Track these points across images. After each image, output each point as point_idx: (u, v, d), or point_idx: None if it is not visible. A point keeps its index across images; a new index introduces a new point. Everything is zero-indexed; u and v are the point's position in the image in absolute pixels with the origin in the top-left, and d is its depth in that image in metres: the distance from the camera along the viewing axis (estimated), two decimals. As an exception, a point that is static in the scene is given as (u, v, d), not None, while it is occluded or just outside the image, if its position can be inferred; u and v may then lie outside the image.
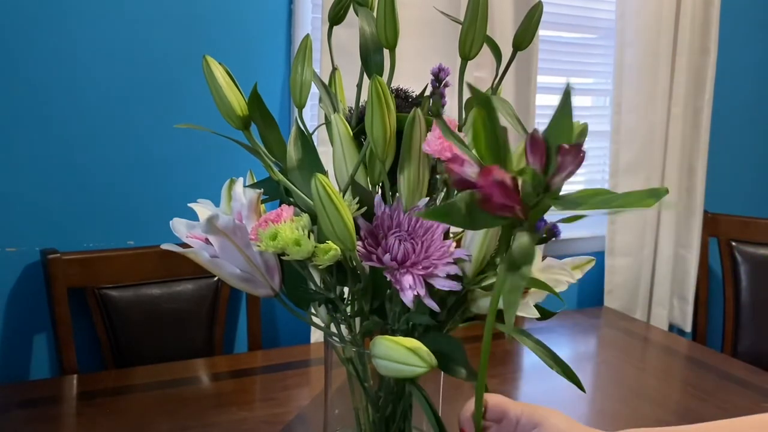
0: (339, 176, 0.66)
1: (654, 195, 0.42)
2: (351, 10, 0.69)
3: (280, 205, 0.62)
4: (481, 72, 1.55)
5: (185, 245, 0.62)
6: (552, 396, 1.14)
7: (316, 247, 0.59)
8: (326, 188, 0.55)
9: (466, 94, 0.69)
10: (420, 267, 0.59)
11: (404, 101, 0.67)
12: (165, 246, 0.63)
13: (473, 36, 0.65)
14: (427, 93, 0.68)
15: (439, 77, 0.67)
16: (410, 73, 0.70)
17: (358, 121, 0.67)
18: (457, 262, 0.60)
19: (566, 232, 1.89)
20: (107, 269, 1.35)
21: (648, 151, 1.91)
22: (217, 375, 1.25)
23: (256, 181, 0.70)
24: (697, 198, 1.96)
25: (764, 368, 1.30)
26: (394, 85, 0.67)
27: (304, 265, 0.62)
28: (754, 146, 2.20)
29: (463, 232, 0.63)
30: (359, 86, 0.68)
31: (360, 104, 0.68)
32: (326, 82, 0.71)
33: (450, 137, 0.48)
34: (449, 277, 0.60)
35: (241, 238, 0.62)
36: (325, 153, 0.65)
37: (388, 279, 0.59)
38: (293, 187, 0.64)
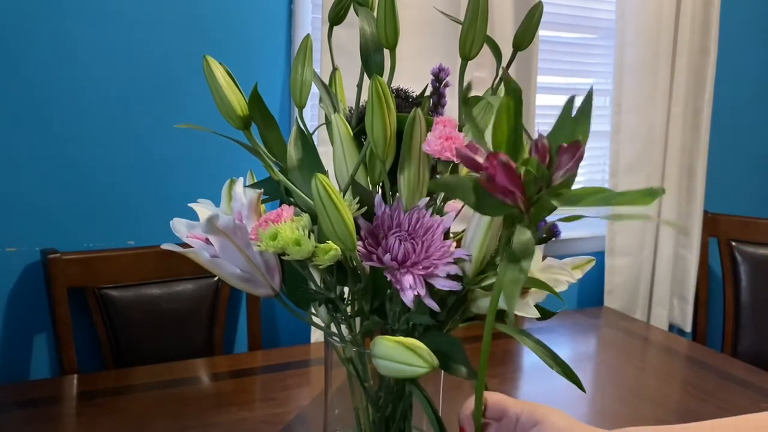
0: (339, 176, 0.66)
1: (651, 194, 0.43)
2: (351, 10, 0.69)
3: (280, 205, 0.62)
4: (481, 72, 1.55)
5: (185, 245, 0.62)
6: (552, 396, 1.14)
7: (316, 247, 0.59)
8: (326, 188, 0.55)
9: (471, 93, 0.69)
10: (420, 267, 0.59)
11: (404, 101, 0.67)
12: (165, 246, 0.63)
13: (473, 36, 0.65)
14: (427, 93, 0.68)
15: (439, 77, 0.67)
16: (410, 73, 0.69)
17: (358, 121, 0.67)
18: (457, 262, 0.60)
19: (566, 232, 1.89)
20: (107, 269, 1.35)
21: (648, 151, 1.91)
22: (217, 375, 1.25)
23: (256, 181, 0.70)
24: (697, 198, 1.96)
25: (764, 368, 1.30)
26: (394, 85, 0.67)
27: (304, 265, 0.62)
28: (754, 146, 2.20)
29: (463, 231, 0.63)
30: (359, 86, 0.68)
31: (360, 104, 0.68)
32: (326, 82, 0.71)
33: (470, 120, 0.49)
34: (449, 277, 0.60)
35: (241, 238, 0.62)
36: (325, 153, 0.65)
37: (388, 279, 0.59)
38: (293, 187, 0.64)
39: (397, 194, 0.64)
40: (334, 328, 0.69)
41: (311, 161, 0.65)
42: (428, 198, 0.63)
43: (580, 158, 0.45)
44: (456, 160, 0.61)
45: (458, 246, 0.62)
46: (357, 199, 0.62)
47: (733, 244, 1.85)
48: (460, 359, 0.59)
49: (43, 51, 1.31)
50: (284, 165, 0.66)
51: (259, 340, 1.50)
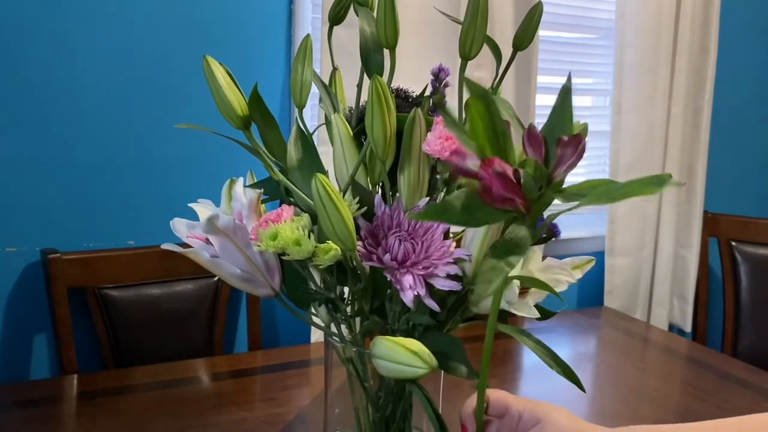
0: (339, 176, 0.66)
1: (657, 182, 0.42)
2: (351, 10, 0.69)
3: (280, 205, 0.62)
4: (481, 72, 1.55)
5: (185, 245, 0.62)
6: (552, 396, 1.14)
7: (316, 247, 0.59)
8: (326, 188, 0.55)
9: (467, 95, 0.69)
10: (420, 267, 0.59)
11: (404, 101, 0.67)
12: (165, 246, 0.63)
13: (473, 36, 0.65)
14: (427, 93, 0.68)
15: (439, 77, 0.67)
16: (410, 73, 0.70)
17: (358, 121, 0.67)
18: (457, 262, 0.60)
19: (566, 232, 1.89)
20: (107, 269, 1.35)
21: (648, 151, 1.91)
22: (217, 375, 1.25)
23: (256, 181, 0.70)
24: (697, 198, 1.96)
25: (764, 368, 1.30)
26: (394, 85, 0.67)
27: (304, 265, 0.62)
28: (754, 146, 2.20)
29: (463, 231, 0.63)
30: (359, 86, 0.68)
31: (360, 104, 0.68)
32: (326, 82, 0.71)
33: (453, 128, 0.48)
34: (449, 277, 0.60)
35: (241, 238, 0.62)
36: (325, 153, 0.65)
37: (388, 279, 0.59)
38: (293, 187, 0.64)
39: (397, 194, 0.64)
40: (334, 328, 0.69)
41: (311, 161, 0.65)
42: (428, 198, 0.63)
43: (582, 152, 0.44)
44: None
45: (458, 246, 0.62)
46: (357, 199, 0.62)
47: (733, 244, 1.85)
48: (460, 359, 0.59)
49: (43, 51, 1.31)
50: (284, 165, 0.66)
51: (259, 340, 1.50)
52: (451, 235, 0.64)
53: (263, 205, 0.67)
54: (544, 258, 0.64)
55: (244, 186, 0.67)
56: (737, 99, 2.12)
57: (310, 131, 0.67)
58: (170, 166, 1.44)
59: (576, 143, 0.43)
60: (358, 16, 0.68)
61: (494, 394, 0.58)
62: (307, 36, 0.67)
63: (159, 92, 1.41)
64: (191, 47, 1.42)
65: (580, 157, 0.44)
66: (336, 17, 0.69)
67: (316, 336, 1.52)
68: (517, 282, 0.60)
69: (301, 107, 0.67)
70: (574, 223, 1.98)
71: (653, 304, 2.00)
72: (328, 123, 0.67)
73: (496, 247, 0.46)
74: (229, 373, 1.25)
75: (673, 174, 1.88)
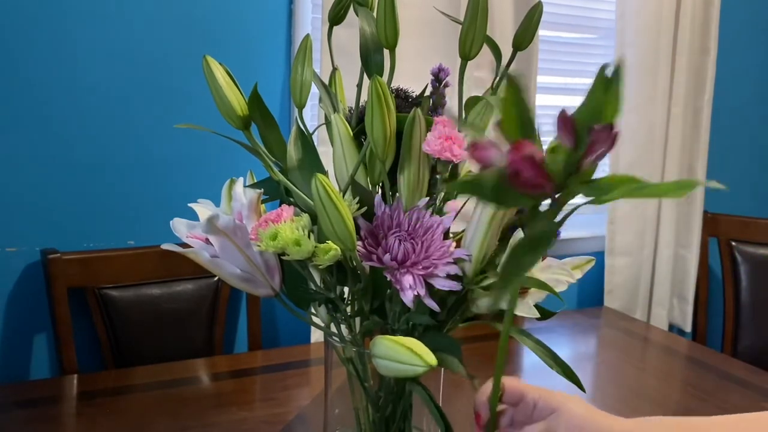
0: (339, 176, 0.66)
1: (685, 186, 0.41)
2: (351, 10, 0.69)
3: (280, 205, 0.62)
4: (481, 72, 1.55)
5: (185, 245, 0.62)
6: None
7: (316, 247, 0.59)
8: (326, 188, 0.55)
9: (467, 94, 0.69)
10: (420, 267, 0.59)
11: (404, 101, 0.68)
12: (165, 246, 0.63)
13: (473, 36, 0.65)
14: (427, 93, 0.68)
15: (439, 77, 0.67)
16: (410, 73, 0.70)
17: (358, 121, 0.67)
18: (457, 262, 0.60)
19: (566, 232, 1.89)
20: (107, 269, 1.35)
21: (648, 151, 1.91)
22: (217, 375, 1.25)
23: (256, 181, 0.70)
24: (697, 198, 1.96)
25: (764, 368, 1.30)
26: (394, 85, 0.67)
27: (304, 265, 0.62)
28: (754, 146, 2.20)
29: (463, 231, 0.63)
30: (359, 86, 0.68)
31: (360, 104, 0.68)
32: (326, 82, 0.71)
33: (465, 127, 0.48)
34: (449, 277, 0.60)
35: (241, 238, 0.62)
36: (325, 153, 0.65)
37: (388, 279, 0.59)
38: (293, 187, 0.64)
39: (397, 194, 0.64)
40: (333, 328, 0.69)
41: (311, 161, 0.65)
42: (428, 198, 0.63)
43: (614, 142, 0.42)
44: (455, 161, 0.61)
45: (458, 246, 0.62)
46: (357, 199, 0.62)
47: (733, 244, 1.85)
48: (460, 359, 0.59)
49: (43, 51, 1.31)
50: (284, 165, 0.66)
51: (259, 340, 1.50)
52: (451, 235, 0.64)
53: (263, 205, 0.67)
54: (544, 258, 0.64)
55: (244, 186, 0.67)
56: (737, 99, 2.12)
57: (310, 131, 0.67)
58: (170, 166, 1.44)
59: (608, 132, 0.41)
60: (358, 16, 0.68)
61: (509, 382, 0.58)
62: (307, 36, 0.67)
63: (159, 92, 1.41)
64: (191, 47, 1.42)
65: (611, 147, 0.42)
66: (336, 17, 0.69)
67: (316, 336, 1.52)
68: (517, 282, 0.60)
69: (301, 107, 0.67)
70: (574, 223, 1.98)
71: (653, 304, 2.00)
72: (328, 123, 0.67)
73: (519, 244, 0.44)
74: (229, 373, 1.25)
75: (673, 174, 1.87)
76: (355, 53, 0.67)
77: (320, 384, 0.72)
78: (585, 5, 1.90)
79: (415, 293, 0.58)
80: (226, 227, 0.61)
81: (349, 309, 0.66)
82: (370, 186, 0.66)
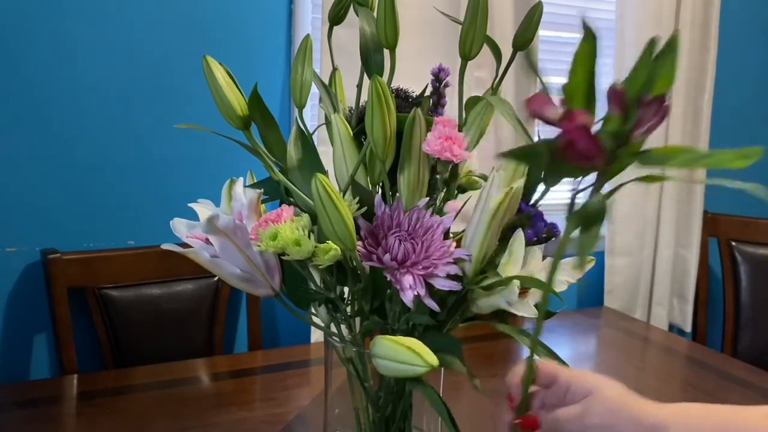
0: (339, 176, 0.66)
1: (745, 156, 0.40)
2: (351, 10, 0.69)
3: (280, 205, 0.62)
4: (481, 72, 1.55)
5: (185, 245, 0.62)
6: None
7: (316, 247, 0.59)
8: (326, 188, 0.55)
9: (467, 94, 0.69)
10: (420, 267, 0.59)
11: (404, 101, 0.68)
12: (165, 246, 0.63)
13: (473, 36, 0.65)
14: (427, 93, 0.68)
15: (439, 77, 0.67)
16: (410, 73, 0.70)
17: (358, 121, 0.67)
18: (457, 262, 0.60)
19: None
20: (107, 269, 1.35)
21: (648, 151, 1.91)
22: (217, 375, 1.25)
23: (256, 181, 0.70)
24: (697, 198, 1.95)
25: (764, 368, 1.30)
26: (394, 85, 0.67)
27: (304, 265, 0.62)
28: (754, 146, 2.20)
29: (463, 231, 0.63)
30: (359, 86, 0.68)
31: (360, 104, 0.68)
32: (326, 82, 0.71)
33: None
34: (449, 277, 0.60)
35: (241, 238, 0.62)
36: (325, 153, 0.65)
37: (388, 279, 0.59)
38: (293, 187, 0.64)
39: (397, 194, 0.64)
40: (333, 328, 0.69)
41: (311, 161, 0.65)
42: (428, 198, 0.63)
43: (665, 114, 0.40)
44: (455, 161, 0.61)
45: (458, 246, 0.62)
46: (357, 199, 0.62)
47: (733, 244, 1.85)
48: (461, 359, 0.59)
49: (43, 51, 1.31)
50: (284, 165, 0.66)
51: (259, 340, 1.50)
52: (451, 235, 0.64)
53: (263, 205, 0.67)
54: (543, 258, 0.64)
55: (244, 186, 0.67)
56: (737, 99, 2.12)
57: (310, 131, 0.67)
58: (170, 166, 1.44)
59: (658, 104, 0.40)
60: (358, 16, 0.68)
61: (542, 364, 0.56)
62: (307, 36, 0.67)
63: (159, 92, 1.41)
64: (191, 47, 1.42)
65: (662, 119, 0.41)
66: (336, 17, 0.69)
67: (316, 336, 1.52)
68: (516, 282, 0.60)
69: (301, 107, 0.67)
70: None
71: (653, 304, 2.00)
72: (328, 123, 0.67)
73: (582, 219, 0.43)
74: (229, 373, 1.25)
75: (673, 174, 1.88)
76: (355, 53, 0.67)
77: (320, 384, 0.72)
78: (585, 5, 1.90)
79: (415, 293, 0.58)
80: (226, 227, 0.61)
81: (349, 309, 0.66)
82: (370, 186, 0.66)
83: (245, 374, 1.25)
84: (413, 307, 0.60)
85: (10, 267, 1.34)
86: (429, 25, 1.47)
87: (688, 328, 1.99)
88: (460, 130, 0.67)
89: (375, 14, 0.65)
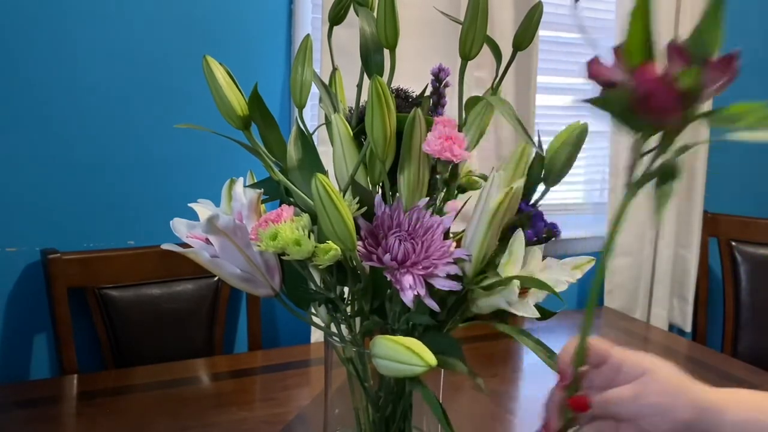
0: (339, 176, 0.66)
1: None
2: (351, 10, 0.69)
3: (280, 205, 0.62)
4: (481, 72, 1.55)
5: (185, 245, 0.62)
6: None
7: (316, 247, 0.59)
8: (326, 188, 0.55)
9: (467, 94, 0.69)
10: (420, 267, 0.59)
11: (404, 101, 0.68)
12: (165, 246, 0.63)
13: (473, 36, 0.65)
14: (427, 93, 0.68)
15: (439, 77, 0.67)
16: (410, 73, 0.70)
17: (358, 121, 0.67)
18: (457, 262, 0.60)
19: (566, 232, 1.89)
20: (107, 269, 1.35)
21: (648, 151, 1.91)
22: (217, 375, 1.25)
23: (256, 181, 0.70)
24: (697, 198, 1.95)
25: (764, 368, 1.30)
26: (394, 85, 0.67)
27: (304, 265, 0.62)
28: (754, 146, 2.20)
29: (463, 231, 0.63)
30: (359, 86, 0.68)
31: (360, 104, 0.68)
32: (326, 82, 0.71)
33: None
34: (449, 277, 0.60)
35: (241, 238, 0.62)
36: (325, 153, 0.65)
37: (388, 279, 0.59)
38: (293, 187, 0.64)
39: (397, 194, 0.64)
40: (333, 328, 0.69)
41: (311, 161, 0.65)
42: (428, 198, 0.63)
43: (734, 75, 0.39)
44: (455, 161, 0.61)
45: (458, 246, 0.62)
46: (357, 199, 0.62)
47: (733, 244, 1.85)
48: (460, 359, 0.59)
49: (43, 51, 1.31)
50: (284, 165, 0.66)
51: (259, 340, 1.50)
52: (451, 235, 0.64)
53: (263, 205, 0.67)
54: (544, 258, 0.64)
55: (244, 186, 0.67)
56: (737, 99, 2.12)
57: (310, 131, 0.67)
58: (170, 166, 1.44)
59: (726, 64, 0.38)
60: (358, 16, 0.68)
61: (594, 342, 0.54)
62: (307, 36, 0.67)
63: (159, 92, 1.41)
64: (191, 47, 1.42)
65: (731, 80, 0.39)
66: (336, 17, 0.69)
67: (316, 336, 1.52)
68: (516, 282, 0.60)
69: (301, 107, 0.67)
70: (574, 223, 1.98)
71: (653, 304, 2.00)
72: (328, 123, 0.67)
73: (661, 174, 0.41)
74: (229, 373, 1.25)
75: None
76: (355, 53, 0.67)
77: (320, 384, 0.72)
78: (585, 5, 1.90)
79: (415, 293, 0.58)
80: (226, 227, 0.61)
81: (349, 309, 0.66)
82: (370, 186, 0.66)
83: (245, 374, 1.25)
84: (413, 307, 0.60)
85: (10, 267, 1.34)
86: (429, 25, 1.47)
87: (688, 328, 2.00)
88: (460, 130, 0.67)
89: (375, 14, 0.65)
